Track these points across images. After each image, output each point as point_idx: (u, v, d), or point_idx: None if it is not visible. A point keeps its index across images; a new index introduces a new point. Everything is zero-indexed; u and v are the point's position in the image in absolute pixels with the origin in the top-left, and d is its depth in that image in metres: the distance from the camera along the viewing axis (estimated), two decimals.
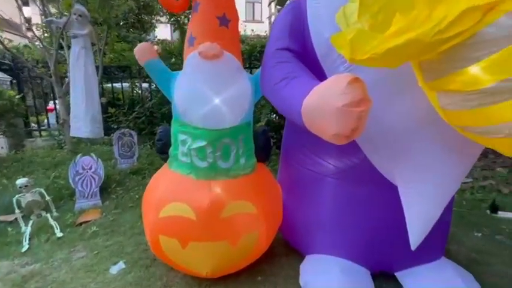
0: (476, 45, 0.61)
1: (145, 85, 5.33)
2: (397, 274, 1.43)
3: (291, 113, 1.00)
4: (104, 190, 2.72)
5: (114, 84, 5.67)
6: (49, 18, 3.40)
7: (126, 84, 5.50)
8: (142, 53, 1.41)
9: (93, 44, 3.53)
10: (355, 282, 1.27)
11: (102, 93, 5.63)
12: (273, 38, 1.28)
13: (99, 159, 2.65)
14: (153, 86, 5.05)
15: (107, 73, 5.54)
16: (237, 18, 1.41)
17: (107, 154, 3.68)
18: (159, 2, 1.39)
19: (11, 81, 5.03)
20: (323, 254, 1.42)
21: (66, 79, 3.77)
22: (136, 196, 2.64)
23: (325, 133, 0.82)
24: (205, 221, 1.28)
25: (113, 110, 4.74)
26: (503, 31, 0.57)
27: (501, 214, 2.31)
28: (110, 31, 4.29)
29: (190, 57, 1.34)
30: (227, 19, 1.33)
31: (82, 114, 3.32)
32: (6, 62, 5.10)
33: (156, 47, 1.38)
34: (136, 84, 5.40)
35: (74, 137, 3.52)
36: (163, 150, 1.55)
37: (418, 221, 1.14)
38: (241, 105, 1.36)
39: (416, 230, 1.15)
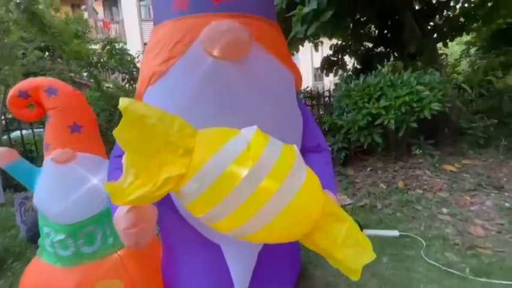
0: (181, 195, 0.95)
1: None
2: None
3: None
4: None
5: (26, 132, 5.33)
6: None
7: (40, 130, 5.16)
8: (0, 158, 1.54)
9: None
10: None
11: (10, 146, 5.23)
12: (116, 144, 1.55)
13: None
14: None
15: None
16: (91, 119, 1.65)
17: (11, 220, 3.46)
18: (13, 114, 1.55)
19: None
20: None
21: None
22: None
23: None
24: None
25: None
26: (189, 190, 0.93)
27: (365, 232, 2.89)
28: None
29: (46, 162, 1.53)
30: (78, 126, 1.56)
31: None
32: None
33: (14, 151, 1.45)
34: None
35: None
36: (34, 240, 1.67)
37: (238, 274, 1.49)
38: (99, 195, 1.57)
39: (240, 280, 1.50)
